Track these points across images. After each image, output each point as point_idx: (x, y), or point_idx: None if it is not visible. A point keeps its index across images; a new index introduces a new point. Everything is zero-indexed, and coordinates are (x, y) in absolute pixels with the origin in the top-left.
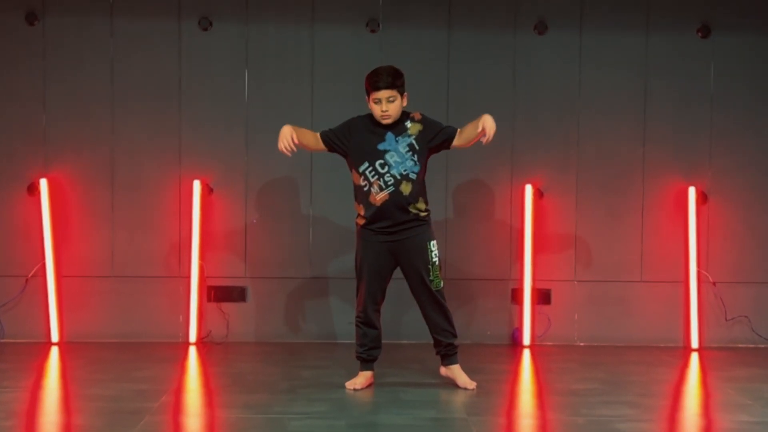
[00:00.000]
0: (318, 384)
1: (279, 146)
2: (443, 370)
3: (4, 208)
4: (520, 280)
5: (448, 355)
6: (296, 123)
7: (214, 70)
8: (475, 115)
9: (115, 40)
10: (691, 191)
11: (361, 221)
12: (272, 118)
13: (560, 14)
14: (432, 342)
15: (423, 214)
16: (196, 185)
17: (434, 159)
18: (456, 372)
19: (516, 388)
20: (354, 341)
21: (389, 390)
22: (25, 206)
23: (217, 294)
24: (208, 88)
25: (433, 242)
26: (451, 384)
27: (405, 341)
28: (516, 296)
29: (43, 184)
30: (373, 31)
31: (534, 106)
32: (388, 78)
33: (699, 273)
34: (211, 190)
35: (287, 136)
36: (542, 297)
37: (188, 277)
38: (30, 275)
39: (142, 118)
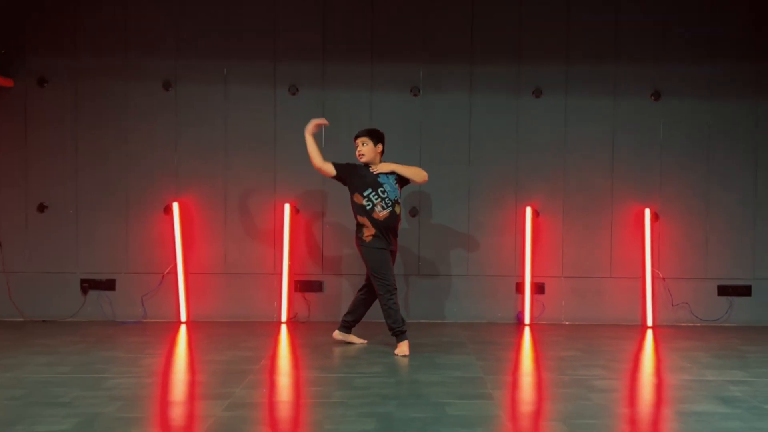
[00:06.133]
0: (376, 352)
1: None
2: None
3: (147, 224)
4: (522, 276)
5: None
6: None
7: (300, 124)
8: (489, 153)
9: (228, 102)
10: (647, 212)
11: (370, 233)
12: (342, 159)
13: (551, 84)
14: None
15: (399, 230)
16: (287, 208)
17: (456, 186)
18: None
19: (519, 355)
20: (384, 321)
21: (427, 356)
22: (162, 222)
23: (301, 286)
24: (296, 137)
25: None
26: (475, 352)
27: (443, 321)
28: (519, 288)
29: (175, 206)
30: (415, 95)
31: (532, 149)
32: (364, 130)
33: (653, 271)
34: (297, 211)
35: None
36: (538, 288)
37: (281, 273)
38: (165, 272)
39: (247, 159)
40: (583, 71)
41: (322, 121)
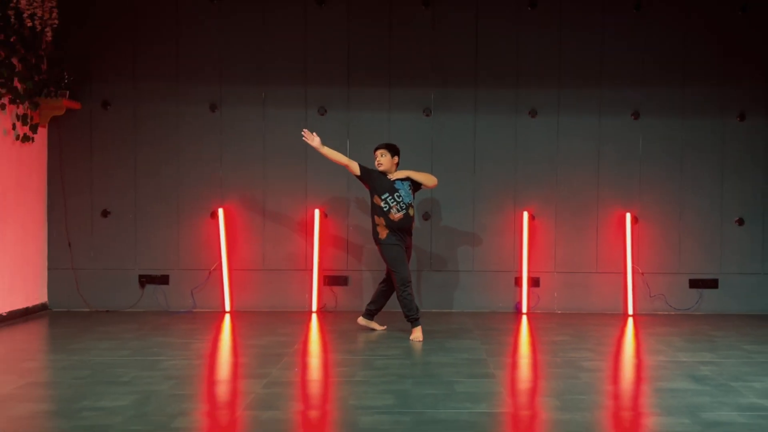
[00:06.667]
0: (394, 337)
1: (309, 140)
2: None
3: (196, 227)
4: (520, 271)
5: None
6: None
7: (327, 141)
8: (491, 164)
9: (265, 122)
10: (628, 216)
11: (384, 231)
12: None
13: (545, 105)
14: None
15: (413, 229)
16: (317, 213)
17: (463, 193)
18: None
19: (518, 340)
20: (401, 311)
21: (438, 341)
22: (209, 226)
23: (329, 280)
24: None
25: None
26: (480, 337)
27: (452, 310)
28: (517, 281)
29: (221, 212)
30: (427, 115)
31: (529, 162)
32: (383, 144)
33: (633, 267)
34: (326, 216)
35: (315, 141)
36: (534, 282)
37: (311, 270)
38: (212, 269)
39: (282, 170)
40: (572, 94)
41: (306, 135)
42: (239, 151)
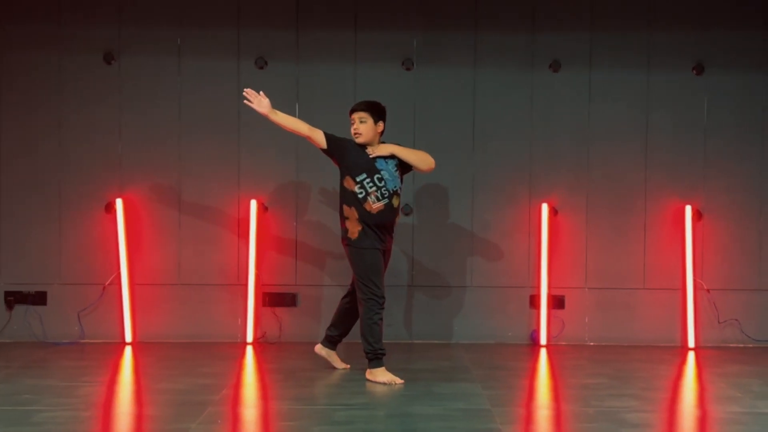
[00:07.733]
0: (360, 379)
1: (255, 105)
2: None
3: (84, 225)
4: (538, 287)
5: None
6: None
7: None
8: (498, 138)
9: (182, 78)
10: (688, 210)
11: (357, 227)
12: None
13: (572, 55)
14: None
15: (395, 226)
16: (253, 204)
17: (458, 178)
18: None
19: (534, 382)
20: (361, 338)
21: (423, 384)
22: (102, 223)
23: (271, 299)
24: (264, 120)
25: None
26: (481, 379)
27: (440, 341)
28: (534, 302)
29: (119, 203)
30: (408, 69)
31: (549, 134)
32: (362, 104)
33: (695, 281)
34: (266, 209)
35: (263, 106)
36: (557, 302)
37: (246, 284)
38: (107, 283)
39: (205, 146)
40: (610, 39)
41: (250, 95)
42: (145, 118)
